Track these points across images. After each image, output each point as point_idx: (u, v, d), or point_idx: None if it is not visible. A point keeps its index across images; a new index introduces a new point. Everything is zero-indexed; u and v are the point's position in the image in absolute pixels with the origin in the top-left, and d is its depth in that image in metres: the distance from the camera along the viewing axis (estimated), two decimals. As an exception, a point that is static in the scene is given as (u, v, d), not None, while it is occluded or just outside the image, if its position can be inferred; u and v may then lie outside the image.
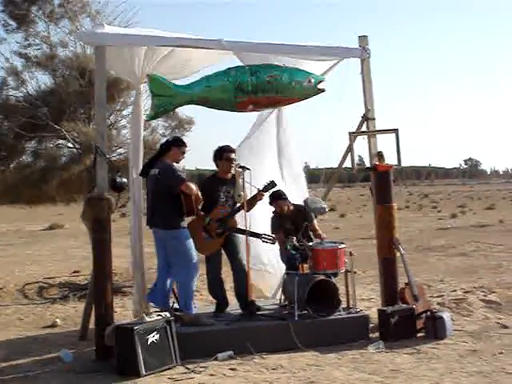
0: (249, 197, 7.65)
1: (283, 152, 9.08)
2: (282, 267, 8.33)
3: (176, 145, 7.44)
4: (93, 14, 11.74)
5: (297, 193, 8.78)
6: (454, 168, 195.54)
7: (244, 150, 8.69)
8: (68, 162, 11.12)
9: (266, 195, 7.91)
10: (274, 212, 8.20)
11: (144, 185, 7.71)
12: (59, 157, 11.40)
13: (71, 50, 11.55)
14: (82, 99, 11.14)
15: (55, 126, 10.78)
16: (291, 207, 8.20)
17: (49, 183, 10.94)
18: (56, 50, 11.58)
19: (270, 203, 8.16)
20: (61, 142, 11.49)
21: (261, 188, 7.69)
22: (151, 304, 7.58)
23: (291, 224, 8.03)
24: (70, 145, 11.30)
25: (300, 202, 8.40)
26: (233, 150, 7.77)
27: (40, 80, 11.62)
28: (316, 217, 8.33)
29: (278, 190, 8.11)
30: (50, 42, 11.63)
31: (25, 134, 10.78)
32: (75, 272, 13.74)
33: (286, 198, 8.17)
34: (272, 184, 7.69)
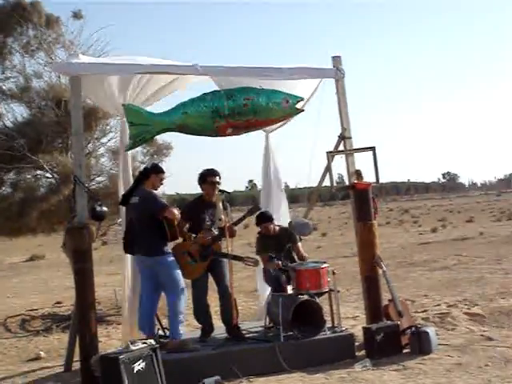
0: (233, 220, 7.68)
1: (270, 174, 9.10)
2: (265, 289, 8.36)
3: (155, 172, 7.45)
4: (67, 44, 11.75)
5: (279, 214, 8.81)
6: (433, 182, 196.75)
7: None
8: (47, 193, 11.04)
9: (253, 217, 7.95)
10: (258, 233, 8.22)
11: (123, 214, 7.71)
12: (38, 188, 11.33)
13: (46, 80, 11.55)
14: (58, 129, 11.13)
15: (33, 156, 10.71)
16: (277, 228, 8.24)
17: (29, 215, 10.86)
18: (31, 82, 11.55)
19: (257, 224, 8.19)
20: (39, 172, 11.42)
21: (245, 212, 7.70)
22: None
23: (276, 245, 8.06)
24: (48, 175, 11.23)
25: (284, 224, 8.45)
26: (217, 174, 7.75)
27: (16, 112, 11.60)
28: (301, 239, 8.36)
29: (264, 212, 8.17)
30: (25, 73, 11.62)
31: (3, 166, 10.72)
32: (58, 303, 13.63)
33: (273, 220, 8.21)
34: (256, 208, 7.70)
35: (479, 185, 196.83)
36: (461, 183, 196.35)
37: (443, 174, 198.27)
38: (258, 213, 7.95)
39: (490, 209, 52.17)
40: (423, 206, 71.46)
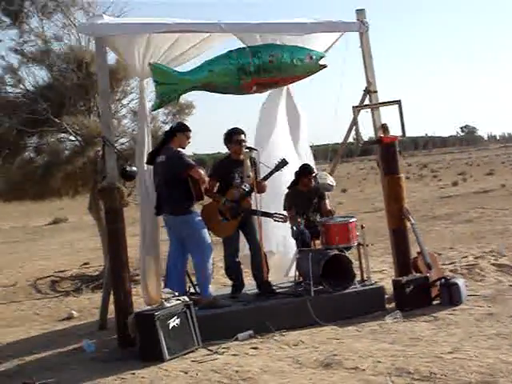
0: (261, 177, 7.71)
1: (292, 130, 9.11)
2: (293, 245, 8.41)
3: (181, 130, 7.45)
4: (85, 5, 11.67)
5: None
6: (451, 136, 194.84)
7: (259, 134, 8.98)
8: (71, 155, 11.12)
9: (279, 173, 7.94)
10: (289, 188, 8.24)
11: (151, 173, 7.74)
12: (62, 150, 11.39)
13: (66, 43, 11.53)
14: (80, 92, 11.15)
15: (56, 120, 10.76)
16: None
17: (54, 177, 10.97)
18: (51, 45, 11.53)
19: (300, 176, 8.21)
20: (62, 135, 11.48)
21: (273, 167, 7.71)
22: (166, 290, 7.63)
23: (305, 201, 8.10)
24: (71, 138, 11.28)
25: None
26: (242, 132, 7.77)
27: (37, 75, 11.60)
28: (328, 196, 8.39)
29: (307, 165, 8.26)
30: (45, 36, 11.58)
31: (26, 130, 10.76)
32: (85, 264, 13.83)
33: (315, 174, 8.20)
34: (283, 162, 7.67)
35: (498, 137, 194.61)
36: (479, 136, 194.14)
37: (461, 128, 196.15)
38: (302, 164, 8.09)
39: (510, 161, 51.79)
40: (442, 160, 71.07)
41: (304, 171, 8.21)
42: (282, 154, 8.17)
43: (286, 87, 8.91)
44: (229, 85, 7.50)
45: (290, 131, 9.12)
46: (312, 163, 9.01)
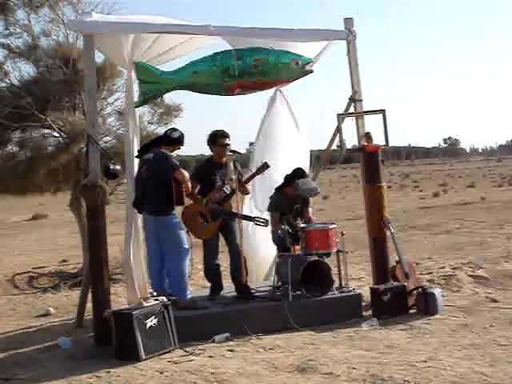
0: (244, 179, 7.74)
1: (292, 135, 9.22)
2: (272, 250, 8.44)
3: (181, 144, 7.49)
4: (73, 1, 11.63)
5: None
6: (434, 147, 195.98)
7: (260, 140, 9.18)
8: (55, 152, 11.06)
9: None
10: (278, 188, 8.26)
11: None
12: (45, 146, 11.33)
13: (54, 38, 11.48)
14: (66, 88, 11.10)
15: (40, 115, 10.70)
16: None
17: (36, 173, 10.90)
18: (38, 40, 11.48)
19: (292, 181, 8.14)
20: (46, 131, 11.41)
21: (254, 170, 7.75)
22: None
23: (289, 206, 8.13)
24: (55, 134, 11.23)
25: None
26: (227, 136, 7.79)
27: (23, 70, 11.54)
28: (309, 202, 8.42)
29: (301, 170, 8.26)
30: (32, 31, 11.53)
31: (10, 124, 10.69)
32: (64, 261, 13.78)
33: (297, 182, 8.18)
34: (265, 165, 7.72)
35: (480, 150, 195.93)
36: (462, 148, 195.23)
37: (444, 139, 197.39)
38: (295, 168, 8.17)
39: (491, 174, 52.18)
40: (424, 171, 71.41)
41: (297, 176, 8.18)
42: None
43: (282, 97, 9.04)
44: (212, 86, 7.55)
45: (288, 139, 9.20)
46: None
